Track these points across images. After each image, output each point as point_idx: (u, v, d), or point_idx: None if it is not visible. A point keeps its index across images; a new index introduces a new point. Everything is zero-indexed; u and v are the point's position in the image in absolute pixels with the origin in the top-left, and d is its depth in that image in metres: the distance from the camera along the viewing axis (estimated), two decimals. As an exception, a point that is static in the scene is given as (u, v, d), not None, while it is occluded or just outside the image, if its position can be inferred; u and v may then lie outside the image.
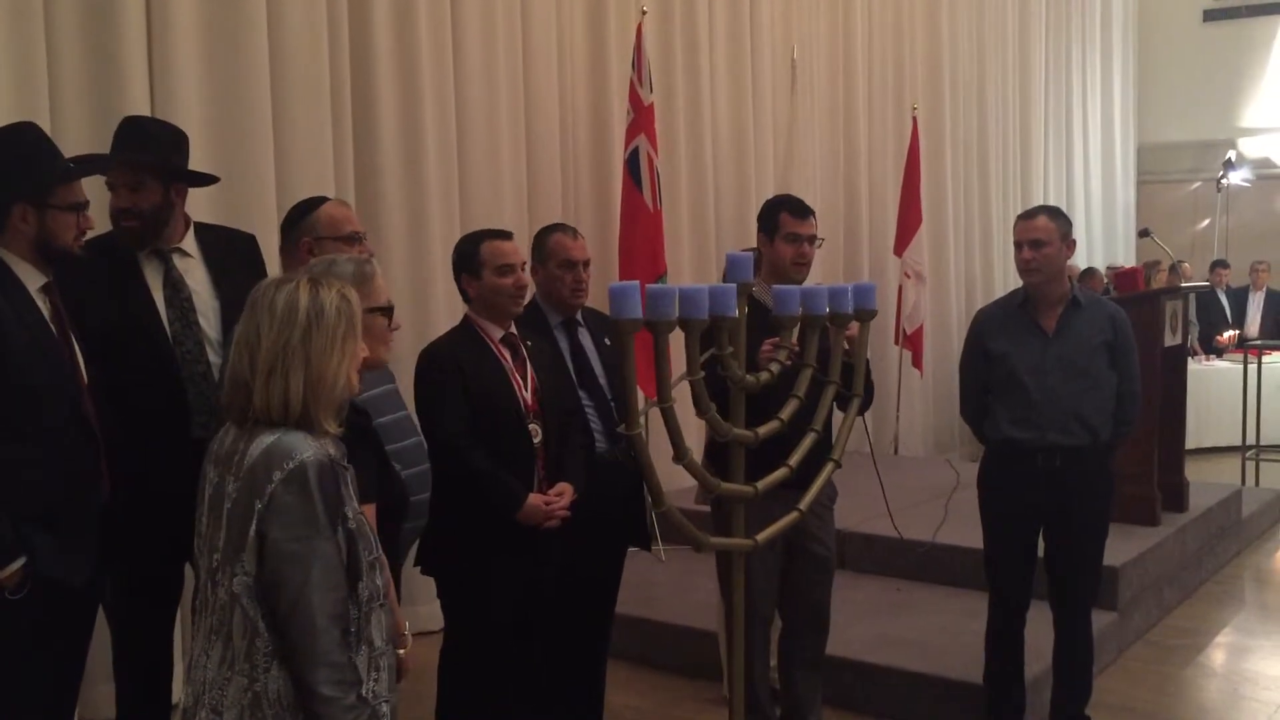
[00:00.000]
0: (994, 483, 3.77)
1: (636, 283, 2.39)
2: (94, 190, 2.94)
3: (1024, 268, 3.61)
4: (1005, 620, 3.78)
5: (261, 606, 1.90)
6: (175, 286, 2.98)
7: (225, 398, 1.99)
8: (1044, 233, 3.58)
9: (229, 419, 2.00)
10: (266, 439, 1.92)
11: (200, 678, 1.96)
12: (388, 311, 2.42)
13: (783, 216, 3.50)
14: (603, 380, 3.51)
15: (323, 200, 3.13)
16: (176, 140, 3.10)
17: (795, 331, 2.79)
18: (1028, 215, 3.67)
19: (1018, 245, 3.62)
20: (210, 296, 3.03)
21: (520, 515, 3.07)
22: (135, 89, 4.00)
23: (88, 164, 2.97)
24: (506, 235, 3.29)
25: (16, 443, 2.53)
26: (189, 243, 3.07)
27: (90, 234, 2.83)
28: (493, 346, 3.19)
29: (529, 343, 3.28)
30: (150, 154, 2.98)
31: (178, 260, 3.03)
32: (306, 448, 1.91)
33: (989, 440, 3.76)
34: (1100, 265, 11.16)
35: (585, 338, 3.55)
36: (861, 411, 3.26)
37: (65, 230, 2.67)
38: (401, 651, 2.35)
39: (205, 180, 3.21)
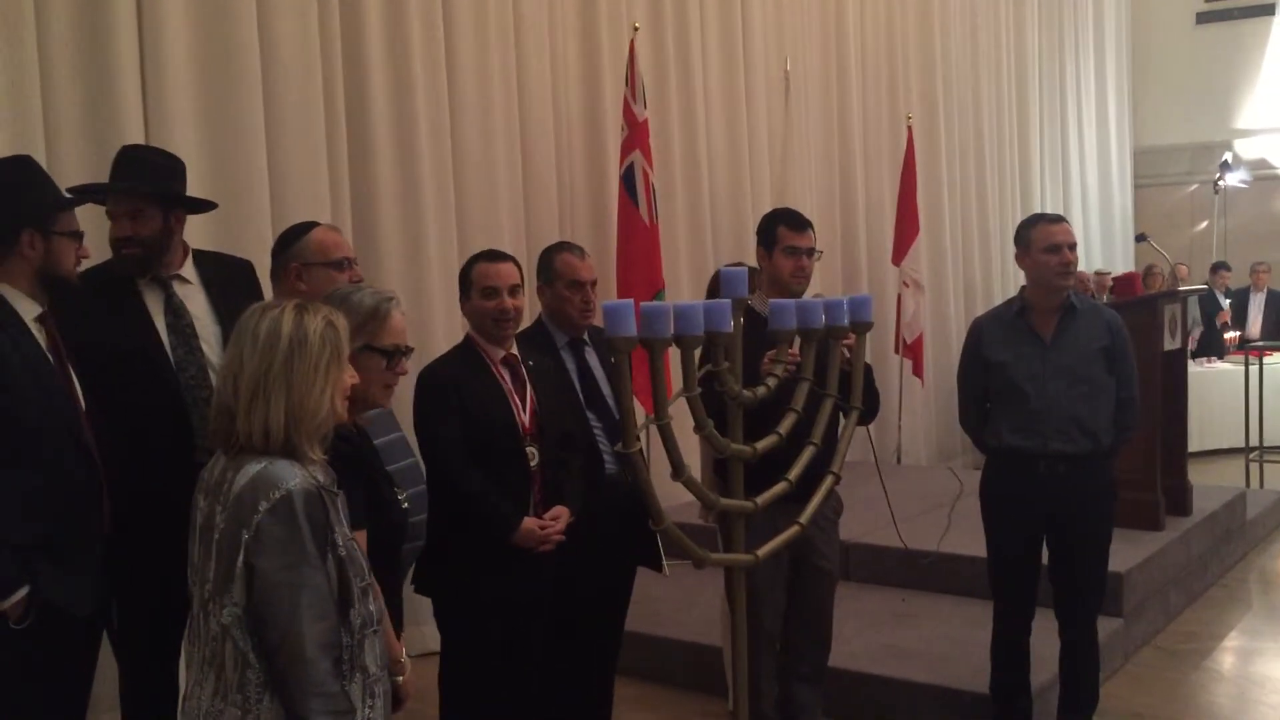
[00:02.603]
0: (996, 491, 3.76)
1: (631, 301, 2.39)
2: (90, 221, 2.94)
3: (1064, 271, 3.61)
4: (1010, 629, 3.77)
5: (252, 638, 1.90)
6: (177, 313, 2.99)
7: (211, 425, 1.99)
8: (1074, 236, 3.66)
9: (215, 446, 2.00)
10: (253, 468, 1.91)
11: (194, 709, 1.95)
12: (389, 353, 2.40)
13: (781, 230, 3.51)
14: (610, 400, 3.50)
15: (313, 225, 3.13)
16: (174, 168, 3.11)
17: (796, 342, 2.80)
18: (1055, 220, 3.69)
19: (1056, 248, 3.60)
20: (211, 322, 3.03)
21: (515, 539, 3.06)
22: (129, 118, 4.01)
23: (88, 193, 2.99)
24: (501, 257, 3.27)
25: (16, 472, 2.52)
26: (188, 269, 3.08)
27: (87, 263, 2.84)
28: (492, 367, 3.18)
29: (530, 363, 3.27)
30: (149, 182, 2.99)
31: (178, 287, 3.03)
32: (293, 476, 1.90)
33: (990, 449, 3.76)
34: (1099, 270, 11.19)
35: (592, 357, 3.54)
36: (867, 422, 3.26)
37: (67, 257, 2.70)
38: (400, 678, 2.34)
39: (204, 206, 3.22)
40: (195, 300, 3.04)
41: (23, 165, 2.75)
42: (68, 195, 2.85)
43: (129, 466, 2.78)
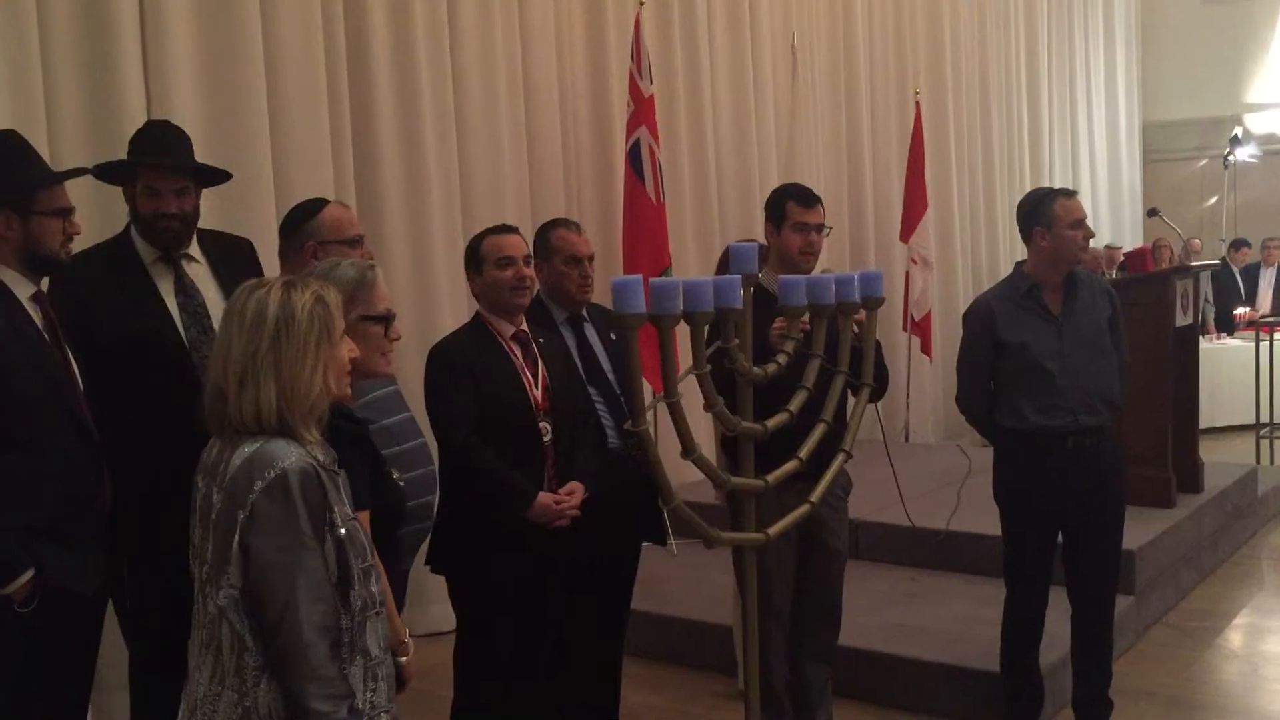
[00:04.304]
0: (1018, 475, 3.66)
1: (639, 277, 2.34)
2: (82, 195, 2.90)
3: (1087, 245, 3.61)
4: (1026, 608, 3.72)
5: (249, 620, 1.87)
6: (188, 293, 2.96)
7: (205, 407, 1.95)
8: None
9: (209, 428, 1.96)
10: (248, 448, 1.88)
11: (193, 692, 1.93)
12: (385, 320, 2.37)
13: (790, 205, 3.47)
14: (611, 376, 3.49)
15: (323, 203, 3.11)
16: (191, 142, 3.10)
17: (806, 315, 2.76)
18: (1072, 194, 3.66)
19: (1079, 223, 3.57)
20: (220, 301, 3.00)
21: (530, 514, 3.05)
22: (131, 95, 3.97)
23: (129, 167, 2.97)
24: (510, 230, 3.28)
25: (16, 453, 2.50)
26: (194, 248, 3.06)
27: (82, 240, 2.80)
28: (503, 343, 3.16)
29: (540, 340, 3.25)
30: (192, 159, 3.01)
31: (187, 267, 3.00)
32: (288, 455, 1.87)
33: (1009, 432, 3.65)
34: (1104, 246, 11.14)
35: (591, 333, 3.53)
36: (875, 399, 3.23)
37: (51, 236, 2.65)
38: (404, 659, 2.31)
39: (221, 178, 3.19)
40: (204, 280, 3.02)
41: (1, 142, 2.69)
42: (90, 169, 2.85)
43: (143, 447, 2.74)
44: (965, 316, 3.83)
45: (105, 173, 3.01)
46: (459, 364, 3.10)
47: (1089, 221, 3.70)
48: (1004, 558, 3.78)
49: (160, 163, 2.94)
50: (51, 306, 2.72)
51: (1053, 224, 3.57)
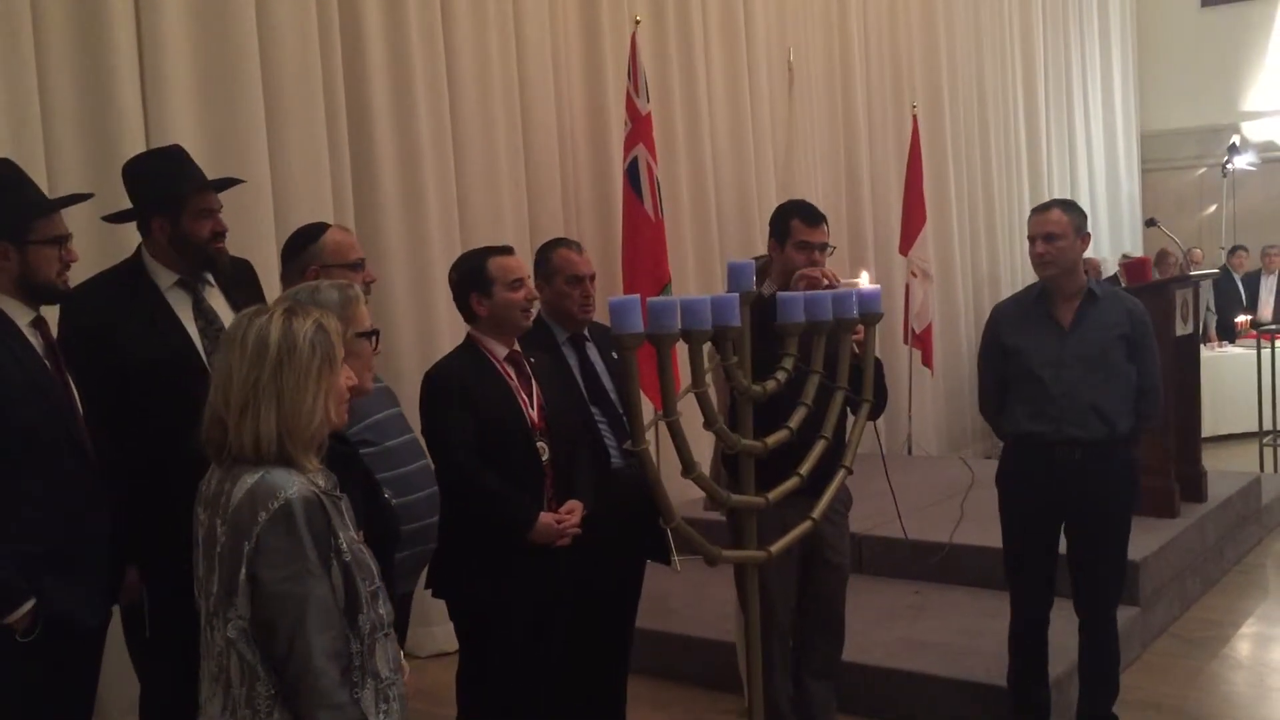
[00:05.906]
0: (1014, 478, 3.72)
1: (637, 297, 2.35)
2: (79, 223, 2.89)
3: (1038, 262, 3.60)
4: (1028, 620, 3.73)
5: (260, 649, 1.86)
6: (208, 317, 2.94)
7: (204, 434, 1.95)
8: (1057, 226, 3.56)
9: (209, 457, 1.96)
10: (249, 479, 1.88)
11: None
12: (373, 335, 2.38)
13: (794, 223, 3.47)
14: (613, 394, 3.50)
15: (325, 227, 3.11)
16: None
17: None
18: (1041, 209, 3.66)
19: (1031, 239, 3.61)
20: None
21: (532, 535, 3.05)
22: (129, 118, 3.98)
23: (222, 182, 3.03)
24: (508, 250, 3.27)
25: (17, 481, 2.49)
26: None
27: (81, 265, 2.79)
28: (497, 365, 3.16)
29: (532, 360, 3.26)
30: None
31: (204, 290, 2.98)
32: (291, 484, 1.87)
33: (1008, 435, 3.73)
34: (1106, 256, 11.14)
35: (593, 352, 3.54)
36: (874, 417, 3.23)
37: (47, 265, 2.64)
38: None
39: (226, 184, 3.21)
40: (218, 303, 3.00)
41: None
42: (47, 199, 2.81)
43: (163, 474, 2.73)
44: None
45: (160, 205, 2.92)
46: (455, 388, 3.09)
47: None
48: (1005, 568, 3.80)
49: (211, 183, 2.96)
50: (67, 333, 2.72)
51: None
